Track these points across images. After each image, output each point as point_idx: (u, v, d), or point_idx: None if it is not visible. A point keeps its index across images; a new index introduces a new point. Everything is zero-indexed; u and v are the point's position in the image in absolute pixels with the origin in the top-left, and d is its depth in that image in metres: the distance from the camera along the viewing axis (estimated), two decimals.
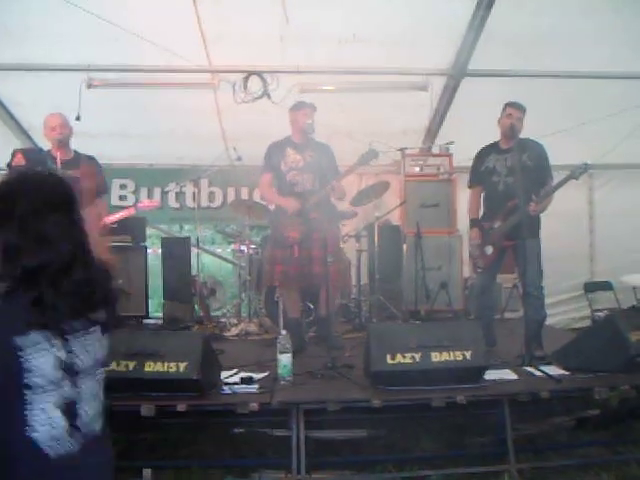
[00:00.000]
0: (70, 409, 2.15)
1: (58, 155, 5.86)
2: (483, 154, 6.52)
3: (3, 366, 2.04)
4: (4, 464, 2.06)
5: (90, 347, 2.22)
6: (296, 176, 6.60)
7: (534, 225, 6.09)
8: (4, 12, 6.75)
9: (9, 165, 4.19)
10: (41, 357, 2.06)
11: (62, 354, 2.12)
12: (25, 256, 2.09)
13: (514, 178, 6.02)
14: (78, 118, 6.74)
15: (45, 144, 6.57)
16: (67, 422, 2.14)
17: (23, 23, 6.88)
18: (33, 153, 4.19)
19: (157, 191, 9.67)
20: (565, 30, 7.06)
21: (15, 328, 2.03)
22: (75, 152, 6.24)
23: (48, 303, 2.07)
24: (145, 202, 7.10)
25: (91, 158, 6.39)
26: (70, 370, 2.14)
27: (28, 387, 2.06)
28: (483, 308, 6.59)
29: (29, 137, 8.83)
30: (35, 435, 2.08)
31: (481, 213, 6.56)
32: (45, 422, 2.09)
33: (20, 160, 4.03)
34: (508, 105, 6.24)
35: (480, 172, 6.48)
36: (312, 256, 6.39)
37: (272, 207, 7.20)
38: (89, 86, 7.64)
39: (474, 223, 6.52)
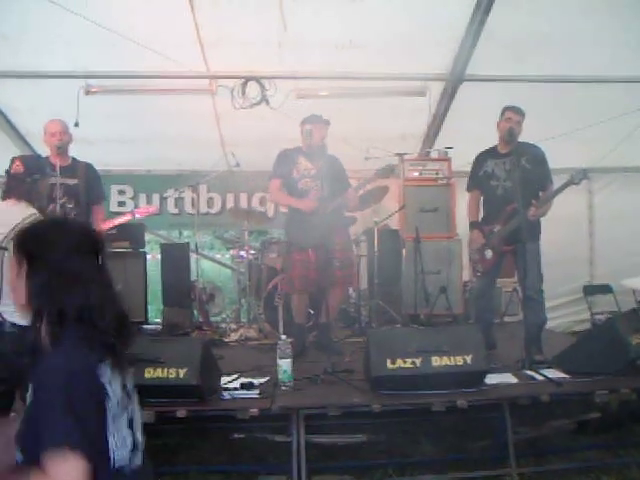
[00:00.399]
0: (132, 427, 2.30)
1: (57, 162, 5.87)
2: (481, 158, 6.52)
3: (95, 395, 2.14)
4: None
5: (128, 377, 2.34)
6: (309, 183, 6.64)
7: (534, 229, 6.09)
8: (1, 19, 6.75)
9: (7, 172, 4.20)
10: (114, 381, 2.21)
11: (123, 377, 2.28)
12: (64, 296, 2.21)
13: (513, 182, 6.02)
14: (76, 124, 6.74)
15: (43, 150, 6.58)
16: (132, 439, 2.28)
17: (21, 29, 6.88)
18: (31, 160, 4.20)
19: (156, 197, 9.66)
20: (564, 34, 7.05)
21: (93, 356, 2.16)
22: (73, 159, 6.25)
23: (104, 337, 2.22)
24: (142, 208, 7.10)
25: (88, 165, 6.40)
26: (128, 392, 2.31)
27: (109, 409, 2.18)
28: (482, 312, 6.60)
29: (27, 143, 8.82)
30: (116, 456, 2.19)
31: (481, 217, 6.56)
32: (121, 443, 2.21)
33: (19, 167, 4.04)
34: (507, 109, 6.25)
35: (479, 176, 6.49)
36: (329, 259, 6.39)
37: (285, 210, 7.27)
38: (87, 92, 7.64)
39: (474, 226, 6.53)
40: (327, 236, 6.33)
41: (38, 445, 1.99)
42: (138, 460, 2.30)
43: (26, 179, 4.05)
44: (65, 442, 1.98)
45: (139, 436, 2.34)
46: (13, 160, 4.19)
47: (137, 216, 6.56)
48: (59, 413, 2.01)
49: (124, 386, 2.27)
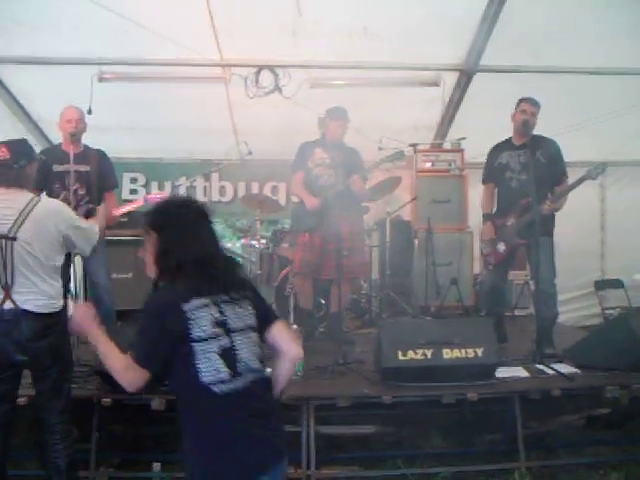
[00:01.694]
0: (229, 357, 2.78)
1: (71, 149, 5.86)
2: (496, 150, 6.49)
3: (177, 325, 2.75)
4: (188, 407, 2.81)
5: (240, 313, 2.90)
6: (321, 170, 6.83)
7: (548, 223, 6.07)
8: (15, 5, 6.74)
9: None
10: (200, 317, 2.77)
11: (217, 315, 2.82)
12: (181, 252, 2.89)
13: (527, 175, 5.99)
14: (89, 111, 6.72)
15: (56, 137, 6.57)
16: (227, 366, 2.77)
17: (34, 16, 6.86)
18: (17, 145, 4.14)
19: (168, 185, 9.60)
20: (578, 26, 7.00)
21: (180, 297, 2.79)
22: (85, 146, 6.23)
23: (203, 279, 2.85)
24: (154, 194, 7.09)
25: (101, 152, 6.39)
26: (224, 327, 2.81)
27: (194, 340, 2.74)
28: (493, 305, 6.58)
29: (39, 130, 8.82)
30: (205, 379, 2.73)
31: (494, 209, 6.54)
32: (211, 367, 2.74)
33: (5, 153, 4.00)
34: (522, 100, 6.21)
35: (493, 168, 6.46)
36: (334, 248, 6.41)
37: (296, 199, 7.43)
38: (100, 80, 7.62)
39: (487, 218, 6.51)
40: (333, 223, 6.38)
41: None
42: (236, 385, 2.76)
43: (13, 165, 4.02)
44: (134, 353, 2.82)
45: (243, 366, 2.81)
46: None
47: (149, 202, 6.55)
48: (137, 332, 2.88)
49: (217, 322, 2.80)
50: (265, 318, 3.02)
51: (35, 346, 3.92)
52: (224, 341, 2.79)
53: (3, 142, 4.11)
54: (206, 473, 2.77)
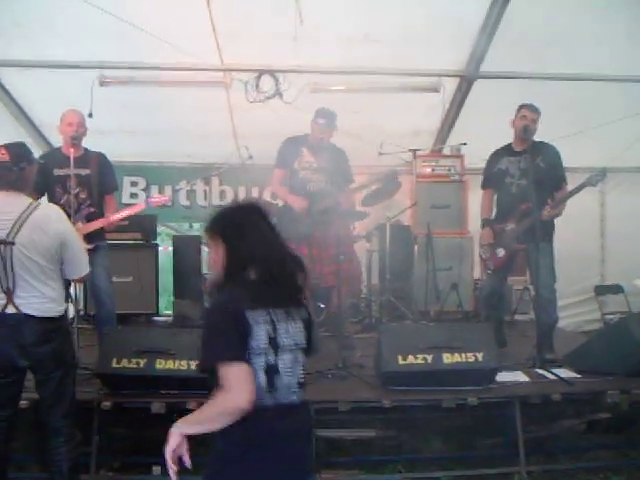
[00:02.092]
0: (271, 373, 2.74)
1: (71, 153, 5.87)
2: (496, 156, 6.51)
3: (240, 328, 2.70)
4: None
5: (292, 333, 2.83)
6: (308, 175, 6.69)
7: (548, 229, 6.08)
8: (16, 9, 6.76)
9: None
10: (259, 328, 2.74)
11: (270, 330, 2.77)
12: (246, 256, 2.85)
13: (527, 181, 6.00)
14: (90, 115, 6.73)
15: (56, 140, 6.58)
16: (267, 382, 2.73)
17: (36, 20, 6.89)
18: (17, 148, 4.14)
19: (168, 189, 9.62)
20: (579, 32, 7.02)
21: (246, 304, 2.75)
22: (85, 149, 6.23)
23: (267, 287, 2.81)
24: (155, 198, 7.09)
25: (101, 155, 6.39)
26: (274, 344, 2.76)
27: (251, 348, 2.71)
28: (493, 310, 6.58)
29: (40, 134, 8.85)
30: None
31: (493, 214, 6.55)
32: (257, 379, 2.70)
33: (4, 156, 4.00)
34: (523, 107, 6.23)
35: (493, 174, 6.47)
36: (322, 256, 6.38)
37: (280, 204, 7.20)
38: (101, 83, 7.65)
39: (486, 223, 6.51)
40: (321, 232, 6.39)
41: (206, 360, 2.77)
42: (269, 402, 2.72)
43: (12, 168, 4.01)
44: (224, 357, 2.65)
45: (282, 384, 2.76)
46: None
47: (150, 205, 6.56)
48: (214, 335, 2.74)
49: (270, 338, 2.75)
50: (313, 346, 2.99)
51: (38, 351, 3.93)
52: (270, 358, 2.75)
53: (2, 145, 4.10)
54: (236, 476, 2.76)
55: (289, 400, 2.78)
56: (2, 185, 4.00)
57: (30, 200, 4.06)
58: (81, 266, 4.25)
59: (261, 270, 2.83)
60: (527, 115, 6.17)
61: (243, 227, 2.91)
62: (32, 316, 3.90)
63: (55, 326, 4.01)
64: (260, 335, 2.73)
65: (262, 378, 2.71)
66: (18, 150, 4.16)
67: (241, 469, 2.71)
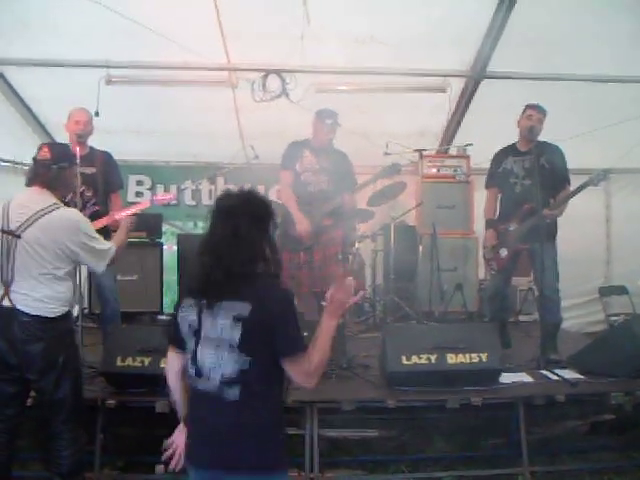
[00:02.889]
0: (196, 362, 2.85)
1: (77, 151, 5.89)
2: (501, 156, 6.50)
3: (174, 318, 2.97)
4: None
5: (219, 325, 2.80)
6: (310, 177, 6.71)
7: (551, 229, 6.08)
8: (23, 8, 6.77)
9: (34, 158, 4.21)
10: (183, 316, 2.91)
11: (193, 320, 2.86)
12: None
13: (532, 181, 6.00)
14: (97, 114, 6.74)
15: (62, 139, 6.59)
16: (194, 369, 2.86)
17: (42, 19, 6.91)
18: (59, 148, 4.19)
19: (173, 188, 9.62)
20: (585, 33, 7.01)
21: (184, 293, 3.01)
22: (91, 148, 6.26)
23: (201, 280, 2.87)
24: (160, 195, 7.11)
25: (106, 153, 6.42)
26: (197, 333, 2.85)
27: (182, 334, 2.92)
28: (496, 310, 6.58)
29: (47, 132, 8.86)
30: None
31: (497, 214, 6.55)
32: (189, 364, 2.91)
33: (46, 154, 4.04)
34: (528, 107, 6.22)
35: (497, 174, 6.47)
36: (322, 258, 6.37)
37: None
38: (108, 82, 7.65)
39: (490, 224, 6.51)
40: (321, 235, 6.43)
41: None
42: (200, 388, 2.85)
43: (52, 166, 4.04)
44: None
45: (208, 376, 2.81)
46: (41, 147, 4.18)
47: (155, 203, 6.58)
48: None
49: (190, 326, 2.86)
50: (277, 348, 2.84)
51: (27, 349, 3.90)
52: (191, 346, 2.89)
53: (46, 143, 4.16)
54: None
55: (210, 390, 2.81)
56: (37, 182, 4.04)
57: (54, 200, 4.07)
58: (98, 266, 4.30)
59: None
60: (533, 115, 6.17)
61: (209, 217, 2.97)
62: (24, 312, 3.88)
63: (48, 326, 3.96)
64: (182, 323, 2.91)
65: (190, 365, 2.88)
66: (60, 150, 4.20)
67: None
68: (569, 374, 5.39)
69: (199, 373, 2.84)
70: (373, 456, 5.26)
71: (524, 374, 5.46)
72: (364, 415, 5.14)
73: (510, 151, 6.44)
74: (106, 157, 6.39)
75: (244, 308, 2.77)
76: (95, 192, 6.17)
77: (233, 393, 2.78)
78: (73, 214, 4.20)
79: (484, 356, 5.02)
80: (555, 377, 5.35)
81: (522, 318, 8.53)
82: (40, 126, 8.78)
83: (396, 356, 5.04)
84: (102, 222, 5.84)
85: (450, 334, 5.22)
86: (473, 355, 5.02)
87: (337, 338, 5.99)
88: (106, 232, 6.01)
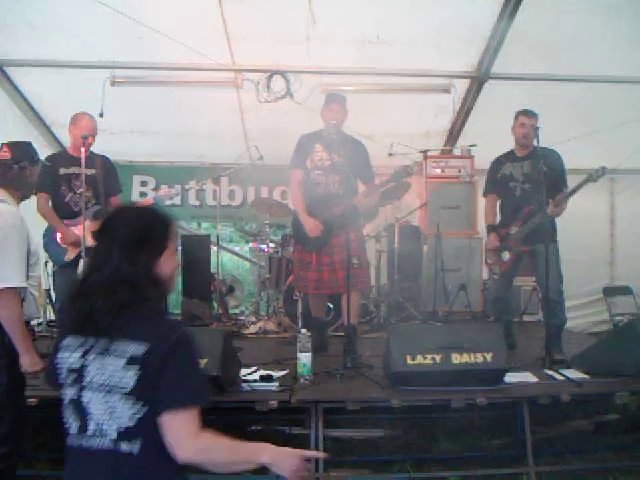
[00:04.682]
0: (79, 413, 2.38)
1: (82, 153, 5.92)
2: (498, 163, 6.55)
3: (52, 359, 2.47)
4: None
5: (108, 370, 2.34)
6: (320, 176, 6.29)
7: (551, 230, 6.07)
8: (29, 9, 6.80)
9: None
10: (63, 358, 2.42)
11: (76, 363, 2.39)
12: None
13: (531, 184, 6.04)
14: (101, 115, 6.78)
15: (68, 139, 6.62)
16: (77, 423, 2.39)
17: (48, 20, 6.95)
18: (19, 147, 4.10)
19: (177, 188, 9.67)
20: (589, 34, 7.03)
21: (66, 328, 2.49)
22: (90, 151, 6.29)
23: (80, 316, 2.40)
24: (163, 191, 7.14)
25: (105, 158, 6.48)
26: (79, 378, 2.37)
27: (60, 380, 2.43)
28: (500, 313, 6.60)
29: (52, 133, 8.88)
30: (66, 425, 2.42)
31: (498, 219, 6.56)
32: (66, 416, 2.43)
33: (6, 154, 3.96)
34: (520, 114, 6.26)
35: (496, 180, 6.50)
36: (334, 261, 6.26)
37: (292, 207, 7.08)
38: (113, 83, 7.69)
39: (491, 229, 6.53)
40: (333, 238, 6.22)
41: None
42: (89, 443, 2.34)
43: (13, 166, 3.95)
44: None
45: (95, 429, 2.34)
46: (1, 146, 4.07)
47: (159, 199, 6.59)
48: None
49: (71, 370, 2.39)
50: (161, 398, 2.33)
51: None
52: (72, 393, 2.39)
53: (6, 142, 4.06)
54: None
55: (100, 448, 2.33)
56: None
57: (2, 198, 3.93)
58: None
59: (81, 291, 2.46)
60: (525, 122, 6.19)
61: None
62: None
63: None
64: (61, 366, 2.42)
65: (70, 417, 2.41)
66: (21, 149, 4.10)
67: None
68: (574, 374, 5.37)
69: (84, 428, 2.35)
70: (378, 456, 5.26)
71: (529, 374, 5.45)
72: (369, 415, 5.13)
73: (508, 157, 6.47)
74: (105, 161, 6.47)
75: (138, 348, 2.33)
76: (95, 192, 6.25)
77: (132, 447, 2.32)
78: (7, 210, 3.85)
79: (489, 356, 5.01)
80: (560, 377, 5.34)
81: (527, 318, 8.56)
82: (45, 127, 8.81)
83: (401, 356, 5.02)
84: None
85: (455, 334, 5.21)
86: (478, 355, 5.00)
87: (349, 340, 6.06)
88: None
